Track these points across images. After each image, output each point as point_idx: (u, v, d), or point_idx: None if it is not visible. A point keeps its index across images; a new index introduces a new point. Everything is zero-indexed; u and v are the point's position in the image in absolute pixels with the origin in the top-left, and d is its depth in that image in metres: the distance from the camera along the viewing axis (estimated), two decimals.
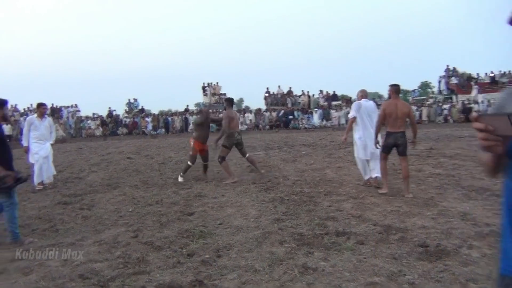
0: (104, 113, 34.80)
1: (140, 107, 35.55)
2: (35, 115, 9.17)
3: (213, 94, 35.17)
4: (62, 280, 3.75)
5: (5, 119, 5.10)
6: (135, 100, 36.08)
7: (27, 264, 4.18)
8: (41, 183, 8.91)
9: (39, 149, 8.95)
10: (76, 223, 5.83)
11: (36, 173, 8.89)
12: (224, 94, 35.80)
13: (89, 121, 32.72)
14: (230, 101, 9.05)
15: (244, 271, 3.81)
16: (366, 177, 7.78)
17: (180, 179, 8.99)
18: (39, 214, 6.48)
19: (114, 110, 34.73)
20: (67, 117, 32.93)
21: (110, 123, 32.32)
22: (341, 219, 5.45)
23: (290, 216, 5.66)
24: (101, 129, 31.25)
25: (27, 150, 8.92)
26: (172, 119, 32.78)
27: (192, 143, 9.13)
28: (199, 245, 4.58)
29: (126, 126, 32.15)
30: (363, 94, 7.97)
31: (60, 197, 7.86)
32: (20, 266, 4.13)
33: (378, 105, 9.08)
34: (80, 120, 32.65)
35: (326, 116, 30.18)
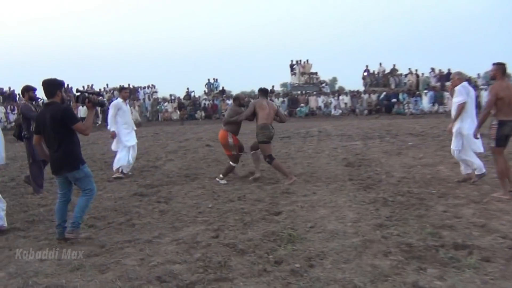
0: (181, 94, 36.27)
1: (220, 88, 36.53)
2: (120, 99, 9.83)
3: (302, 74, 35.04)
4: (139, 281, 3.95)
5: (63, 101, 5.43)
6: (215, 80, 37.15)
7: (104, 261, 4.47)
8: (120, 171, 9.54)
9: (129, 137, 9.70)
10: (153, 218, 6.13)
11: (119, 160, 9.56)
12: (315, 73, 35.54)
13: (166, 104, 34.32)
14: (263, 91, 8.79)
15: (341, 287, 3.72)
16: (468, 171, 7.78)
17: (222, 181, 8.44)
18: (115, 206, 6.93)
19: (193, 91, 36.14)
20: (143, 99, 34.79)
21: (188, 106, 33.61)
22: (460, 229, 5.13)
23: (396, 222, 5.45)
24: (178, 112, 32.61)
25: (114, 135, 9.58)
26: None
27: (230, 139, 8.49)
28: (288, 251, 4.57)
29: (205, 109, 33.24)
30: (462, 77, 7.87)
31: (136, 187, 8.35)
32: (97, 263, 4.42)
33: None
34: (157, 102, 34.39)
35: (438, 100, 28.56)
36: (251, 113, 8.38)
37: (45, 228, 5.83)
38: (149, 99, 34.93)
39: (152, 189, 8.15)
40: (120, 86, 9.85)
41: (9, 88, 33.66)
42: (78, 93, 5.40)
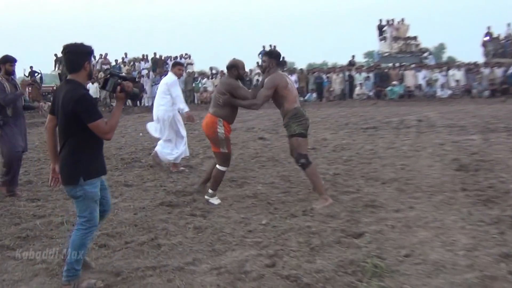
0: (225, 67, 36.57)
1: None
2: (173, 76, 10.62)
3: (395, 38, 34.56)
4: None
5: (90, 77, 5.53)
6: (273, 48, 37.19)
7: None
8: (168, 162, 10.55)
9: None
10: (186, 237, 6.19)
11: (180, 154, 10.57)
12: (414, 38, 34.95)
13: (204, 80, 34.74)
14: (277, 58, 8.10)
15: None
16: None
17: (214, 200, 7.86)
18: (135, 219, 7.04)
19: None
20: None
21: None
22: None
23: None
24: None
25: (192, 117, 10.67)
26: (328, 78, 33.19)
27: (220, 129, 7.77)
28: None
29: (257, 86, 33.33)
30: None
31: (163, 194, 8.48)
32: None
33: None
34: (193, 77, 34.87)
35: None
36: (271, 94, 7.76)
37: (42, 247, 5.98)
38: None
39: (185, 197, 8.25)
40: (174, 61, 10.58)
41: None
42: (108, 76, 5.12)
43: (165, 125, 10.60)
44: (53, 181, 5.07)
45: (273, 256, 5.41)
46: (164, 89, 10.56)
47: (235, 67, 8.03)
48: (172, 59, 36.98)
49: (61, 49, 4.97)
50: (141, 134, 17.56)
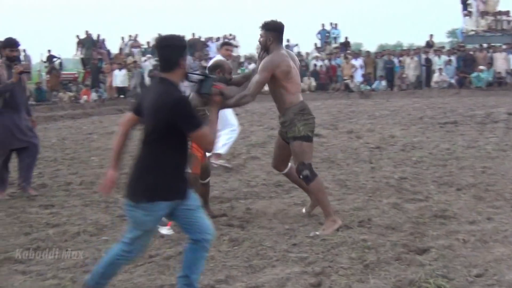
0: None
1: (342, 40, 36.49)
2: (220, 57, 10.89)
3: (483, 13, 34.05)
4: None
5: (185, 76, 5.59)
6: (334, 26, 37.18)
7: None
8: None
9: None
10: (219, 251, 6.32)
11: (228, 143, 11.02)
12: (506, 13, 34.35)
13: (251, 65, 34.75)
14: (273, 27, 7.26)
15: None
16: None
17: (165, 231, 7.13)
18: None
19: (295, 45, 36.39)
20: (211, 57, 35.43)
21: None
22: None
23: None
24: None
25: None
26: (400, 62, 32.88)
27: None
28: None
29: (316, 74, 33.27)
30: None
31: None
32: None
33: None
34: (237, 62, 34.99)
35: None
36: (266, 80, 7.10)
37: (54, 261, 6.22)
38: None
39: (222, 204, 8.45)
40: (222, 41, 11.00)
41: None
42: (203, 77, 5.06)
43: None
44: (105, 189, 5.00)
45: (319, 274, 5.48)
46: None
47: (219, 68, 7.65)
48: (214, 40, 37.37)
49: (155, 42, 5.10)
50: None
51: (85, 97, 30.23)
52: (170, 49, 4.76)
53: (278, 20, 7.27)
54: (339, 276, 5.43)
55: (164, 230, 6.98)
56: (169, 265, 5.95)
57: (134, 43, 37.20)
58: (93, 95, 30.88)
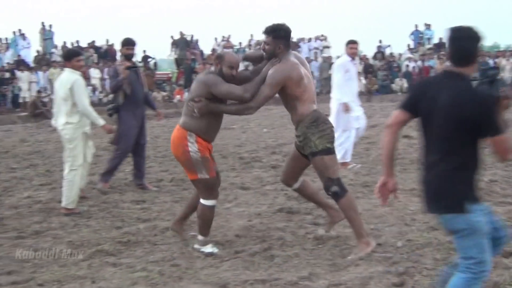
0: (369, 51, 36.25)
1: (436, 41, 35.75)
2: (346, 56, 11.27)
3: None
4: None
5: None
6: (427, 27, 36.52)
7: None
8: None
9: (359, 113, 11.43)
10: (304, 249, 6.38)
11: (342, 144, 11.14)
12: None
13: None
14: (281, 34, 6.42)
15: None
16: None
17: (208, 248, 6.52)
18: (249, 226, 7.35)
19: (388, 46, 35.99)
20: (309, 59, 35.35)
21: (378, 70, 33.53)
22: None
23: None
24: (363, 80, 32.53)
25: (348, 108, 11.19)
26: (496, 63, 31.95)
27: (191, 146, 6.37)
28: None
29: (408, 74, 32.78)
30: None
31: (283, 199, 8.76)
32: None
33: None
34: (329, 63, 34.85)
35: None
36: (274, 93, 6.45)
37: (144, 254, 6.44)
38: (316, 59, 35.52)
39: (308, 203, 8.31)
40: (349, 40, 11.00)
41: (107, 41, 36.63)
42: (495, 77, 4.47)
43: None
44: (381, 196, 4.90)
45: (403, 274, 5.44)
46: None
47: (219, 60, 6.50)
48: (306, 41, 37.39)
49: (447, 33, 4.48)
50: (265, 130, 18.13)
51: (178, 96, 30.79)
52: (469, 41, 4.32)
53: (284, 24, 6.51)
54: (422, 276, 5.39)
55: (210, 249, 6.43)
56: (254, 261, 6.06)
57: (227, 43, 37.63)
58: (186, 95, 30.62)
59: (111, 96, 10.20)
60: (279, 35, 6.31)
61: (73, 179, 8.30)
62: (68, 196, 8.24)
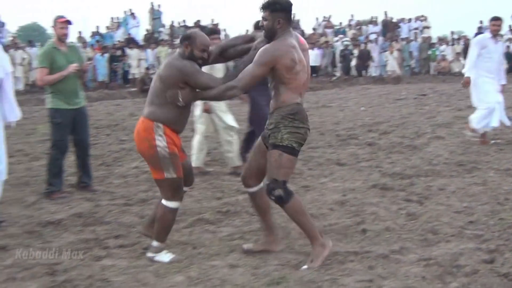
0: (470, 31, 35.46)
1: None
2: (487, 33, 11.31)
3: None
4: None
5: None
6: None
7: (315, 277, 4.99)
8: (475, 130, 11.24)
9: (492, 88, 11.04)
10: (396, 224, 6.48)
11: (472, 121, 11.11)
12: None
13: (442, 47, 34.16)
14: (280, 7, 5.59)
15: None
16: None
17: (162, 256, 5.73)
18: (342, 201, 7.50)
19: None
20: (407, 40, 35.05)
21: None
22: None
23: None
24: (462, 60, 31.84)
25: (469, 81, 11.07)
26: None
27: (158, 140, 5.66)
28: None
29: (509, 56, 31.82)
30: None
31: (378, 176, 8.87)
32: (305, 279, 4.97)
33: None
34: (428, 44, 34.44)
35: None
36: (263, 74, 5.56)
37: (242, 224, 6.72)
38: (416, 40, 35.03)
39: (402, 180, 8.51)
40: (493, 17, 11.12)
41: (212, 21, 37.19)
42: None
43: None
44: None
45: (493, 251, 5.47)
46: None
47: (189, 41, 5.73)
48: (406, 21, 37.04)
49: None
50: (362, 108, 18.23)
51: None
52: None
53: None
54: None
55: (165, 257, 5.66)
56: (347, 234, 6.21)
57: (328, 23, 37.82)
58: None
59: None
60: (277, 8, 5.51)
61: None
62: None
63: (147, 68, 28.60)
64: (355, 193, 7.87)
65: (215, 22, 35.71)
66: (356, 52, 32.97)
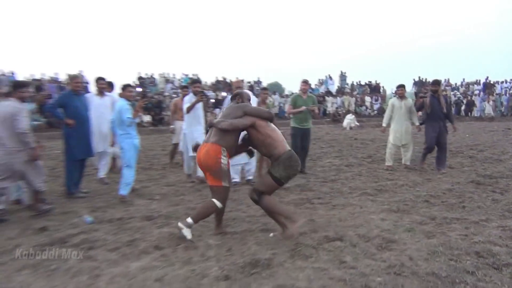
0: None
1: None
2: None
3: None
4: (458, 251, 5.33)
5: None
6: None
7: (432, 229, 6.15)
8: None
9: None
10: (484, 204, 7.51)
11: None
12: None
13: None
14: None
15: None
16: None
17: (186, 232, 5.78)
18: (451, 188, 8.67)
19: None
20: (500, 94, 37.35)
21: None
22: None
23: None
24: None
25: None
26: None
27: (223, 159, 5.84)
28: None
29: None
30: None
31: (474, 176, 9.96)
32: (425, 230, 6.12)
33: None
34: None
35: None
36: (246, 126, 5.91)
37: (389, 196, 8.14)
38: (506, 94, 37.56)
39: (490, 179, 9.55)
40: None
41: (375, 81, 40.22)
42: None
43: None
44: None
45: None
46: None
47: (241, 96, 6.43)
48: (500, 83, 39.59)
49: None
50: (467, 135, 20.24)
51: None
52: None
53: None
54: None
55: (188, 233, 5.77)
56: (453, 207, 7.36)
57: (448, 83, 41.49)
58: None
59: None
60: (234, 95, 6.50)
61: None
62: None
63: (337, 108, 32.87)
64: (459, 185, 9.07)
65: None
66: (464, 101, 36.54)
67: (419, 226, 6.36)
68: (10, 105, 6.84)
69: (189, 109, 9.18)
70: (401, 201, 7.74)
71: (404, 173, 10.45)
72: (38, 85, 21.18)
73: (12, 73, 27.07)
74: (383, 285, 4.43)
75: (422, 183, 9.33)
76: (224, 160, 5.67)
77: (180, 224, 5.65)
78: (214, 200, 5.72)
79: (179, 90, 11.18)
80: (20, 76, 25.36)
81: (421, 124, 10.96)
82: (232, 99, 6.48)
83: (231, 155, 5.87)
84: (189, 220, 5.65)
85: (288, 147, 5.76)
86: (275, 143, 5.72)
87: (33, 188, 7.25)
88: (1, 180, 6.86)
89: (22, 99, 7.07)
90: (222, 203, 5.76)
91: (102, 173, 9.54)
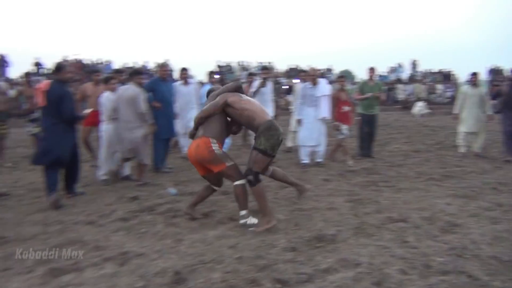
0: None
1: None
2: None
3: None
4: None
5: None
6: None
7: (497, 215, 5.84)
8: None
9: None
10: None
11: None
12: None
13: None
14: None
15: None
16: None
17: (251, 220, 5.66)
18: (498, 180, 7.92)
19: None
20: None
21: None
22: None
23: None
24: None
25: None
26: None
27: (214, 145, 5.55)
28: None
29: None
30: None
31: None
32: (491, 216, 5.85)
33: None
34: None
35: None
36: (218, 105, 5.65)
37: (456, 182, 7.78)
38: None
39: None
40: None
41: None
42: None
43: None
44: None
45: None
46: None
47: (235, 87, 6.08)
48: None
49: None
50: None
51: None
52: None
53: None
54: None
55: (252, 220, 5.61)
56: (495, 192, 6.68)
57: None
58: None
59: None
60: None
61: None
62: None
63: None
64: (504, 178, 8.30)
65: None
66: None
67: (484, 212, 6.02)
68: (130, 88, 7.47)
69: (255, 94, 9.26)
70: (468, 187, 7.26)
71: (474, 160, 9.76)
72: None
73: (109, 62, 27.84)
74: (443, 265, 4.24)
75: (491, 170, 8.70)
76: (215, 146, 5.40)
77: (241, 222, 5.51)
78: (235, 184, 5.44)
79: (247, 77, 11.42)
80: (116, 65, 26.06)
81: (496, 112, 10.26)
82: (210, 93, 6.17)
83: (222, 142, 5.62)
84: (241, 213, 5.51)
85: (268, 117, 5.46)
86: (253, 115, 5.41)
87: (140, 161, 7.75)
88: (116, 152, 7.72)
89: (140, 84, 7.68)
90: (240, 177, 5.42)
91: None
